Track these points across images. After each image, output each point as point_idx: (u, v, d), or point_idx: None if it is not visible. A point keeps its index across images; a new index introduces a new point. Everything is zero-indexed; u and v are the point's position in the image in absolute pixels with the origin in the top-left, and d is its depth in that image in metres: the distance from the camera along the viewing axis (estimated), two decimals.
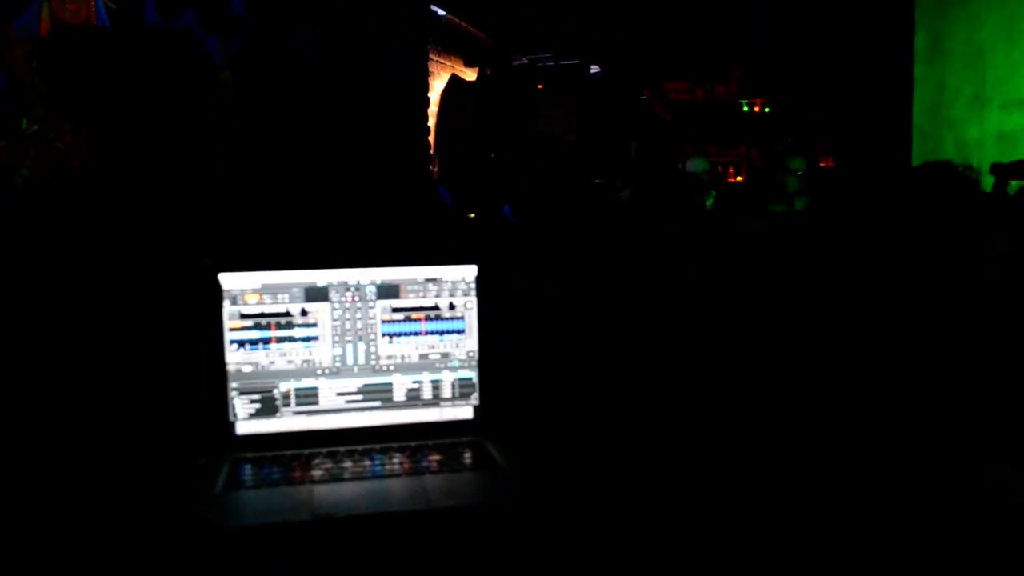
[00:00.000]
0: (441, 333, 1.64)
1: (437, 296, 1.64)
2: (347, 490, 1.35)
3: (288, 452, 1.51)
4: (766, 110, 13.61)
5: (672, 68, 9.99)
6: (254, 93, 2.92)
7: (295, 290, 1.58)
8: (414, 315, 1.63)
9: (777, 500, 1.80)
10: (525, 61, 8.91)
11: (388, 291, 1.62)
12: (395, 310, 1.62)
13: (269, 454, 1.50)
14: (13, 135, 2.18)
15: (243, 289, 1.56)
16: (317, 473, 1.42)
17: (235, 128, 2.43)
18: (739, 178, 11.33)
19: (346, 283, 1.60)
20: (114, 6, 2.64)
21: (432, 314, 1.64)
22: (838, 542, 1.75)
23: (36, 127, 2.28)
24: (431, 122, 5.99)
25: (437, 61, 7.09)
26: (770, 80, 11.18)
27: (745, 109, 13.58)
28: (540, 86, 8.88)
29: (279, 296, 1.57)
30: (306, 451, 1.52)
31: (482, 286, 1.64)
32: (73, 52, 1.59)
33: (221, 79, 2.71)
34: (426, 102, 5.60)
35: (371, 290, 1.61)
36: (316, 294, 1.59)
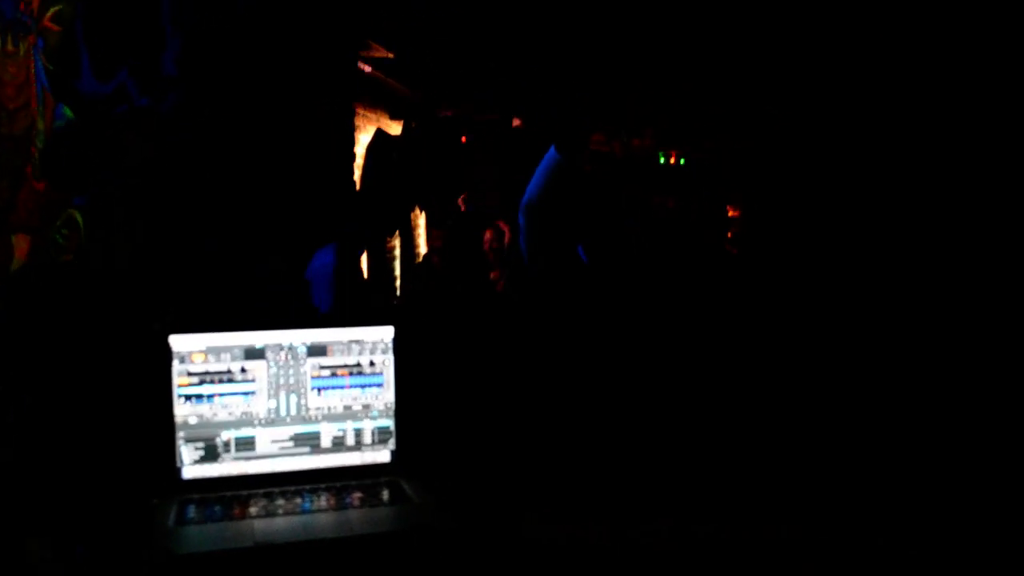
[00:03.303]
0: (363, 387, 1.90)
1: (359, 354, 1.90)
2: (282, 523, 1.59)
3: (229, 493, 1.74)
4: (681, 161, 14.20)
5: (591, 121, 10.42)
6: (183, 153, 3.14)
7: (236, 350, 1.82)
8: (339, 371, 1.89)
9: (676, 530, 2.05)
10: (449, 114, 9.22)
11: (317, 350, 1.88)
12: (323, 367, 1.88)
13: (212, 495, 1.73)
14: None
15: (190, 350, 1.79)
16: (254, 510, 1.66)
17: (167, 189, 2.66)
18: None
19: (280, 344, 1.85)
20: (52, 67, 2.84)
21: (355, 370, 1.90)
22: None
23: None
24: (357, 175, 6.21)
25: (363, 115, 7.32)
26: (685, 132, 11.71)
27: (661, 161, 14.14)
28: (464, 139, 9.20)
29: (222, 355, 1.81)
30: (244, 492, 1.75)
31: (399, 345, 1.90)
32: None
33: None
34: (353, 157, 5.83)
35: (302, 349, 1.87)
36: (254, 353, 1.83)
